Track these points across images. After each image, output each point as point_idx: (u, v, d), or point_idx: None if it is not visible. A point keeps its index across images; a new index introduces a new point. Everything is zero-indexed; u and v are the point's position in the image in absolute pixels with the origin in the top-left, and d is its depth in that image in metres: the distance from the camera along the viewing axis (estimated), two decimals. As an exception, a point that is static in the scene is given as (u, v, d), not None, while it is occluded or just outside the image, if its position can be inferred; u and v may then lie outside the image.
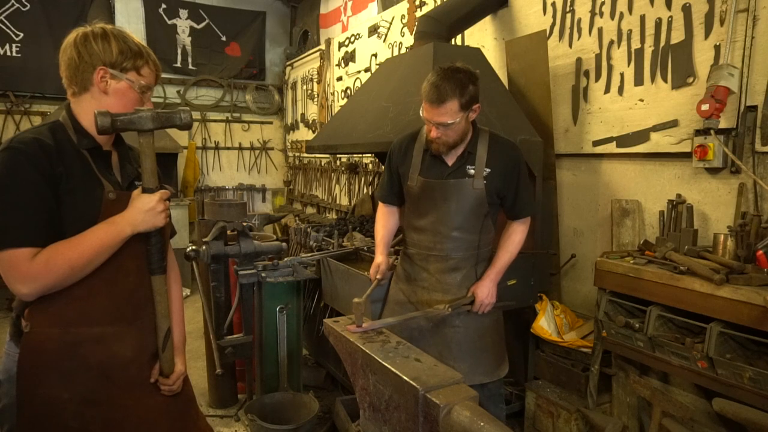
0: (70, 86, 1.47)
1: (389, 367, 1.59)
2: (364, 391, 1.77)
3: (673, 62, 2.75)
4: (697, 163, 2.58)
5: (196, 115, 7.72)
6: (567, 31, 3.37)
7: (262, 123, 8.33)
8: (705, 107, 2.43)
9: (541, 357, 2.98)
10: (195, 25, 7.69)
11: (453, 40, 3.84)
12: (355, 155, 6.05)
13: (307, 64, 7.45)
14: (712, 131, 2.47)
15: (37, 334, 1.40)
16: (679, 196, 2.66)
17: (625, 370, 2.60)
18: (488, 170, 2.29)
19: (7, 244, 1.30)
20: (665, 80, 2.80)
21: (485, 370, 2.42)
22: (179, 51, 7.62)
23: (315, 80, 7.19)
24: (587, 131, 3.26)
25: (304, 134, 7.62)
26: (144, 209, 1.42)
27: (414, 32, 3.65)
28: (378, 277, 2.36)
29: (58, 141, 1.39)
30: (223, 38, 7.89)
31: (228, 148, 8.16)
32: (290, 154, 8.26)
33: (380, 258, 2.41)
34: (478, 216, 2.33)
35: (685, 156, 2.69)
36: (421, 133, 2.40)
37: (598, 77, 3.17)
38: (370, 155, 5.64)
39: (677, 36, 2.73)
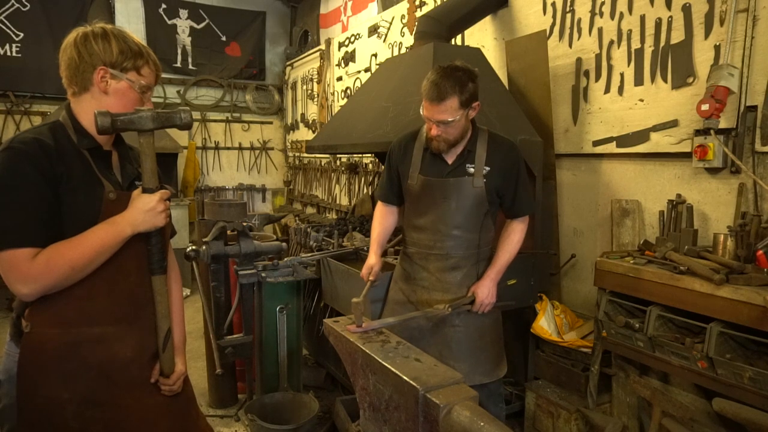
0: (70, 86, 1.47)
1: (389, 367, 1.59)
2: (364, 391, 1.77)
3: (673, 62, 2.75)
4: (697, 163, 2.58)
5: (196, 115, 7.72)
6: (567, 31, 3.37)
7: (262, 123, 8.33)
8: (705, 107, 2.43)
9: (541, 357, 2.98)
10: (195, 25, 7.69)
11: (453, 40, 3.84)
12: (355, 155, 6.05)
13: (307, 64, 7.45)
14: (712, 131, 2.47)
15: (37, 334, 1.40)
16: (679, 196, 2.66)
17: (625, 370, 2.60)
18: (488, 168, 2.29)
19: (7, 245, 1.29)
20: (665, 80, 2.80)
21: (484, 370, 2.42)
22: (179, 51, 7.63)
23: (315, 80, 7.19)
24: (587, 131, 3.26)
25: (304, 134, 7.62)
26: (144, 209, 1.42)
27: (414, 32, 3.65)
28: (371, 278, 2.32)
29: (58, 141, 1.39)
30: (223, 38, 7.89)
31: (228, 148, 8.16)
32: (290, 154, 8.26)
33: (373, 259, 2.36)
34: (478, 214, 2.33)
35: (685, 156, 2.69)
36: (421, 132, 2.40)
37: (598, 77, 3.17)
38: (370, 155, 5.64)
39: (677, 36, 2.73)
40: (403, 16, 5.10)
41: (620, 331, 2.44)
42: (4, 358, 1.46)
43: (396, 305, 2.51)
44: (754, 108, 2.42)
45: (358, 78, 6.09)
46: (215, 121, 8.02)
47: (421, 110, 2.23)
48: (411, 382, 1.47)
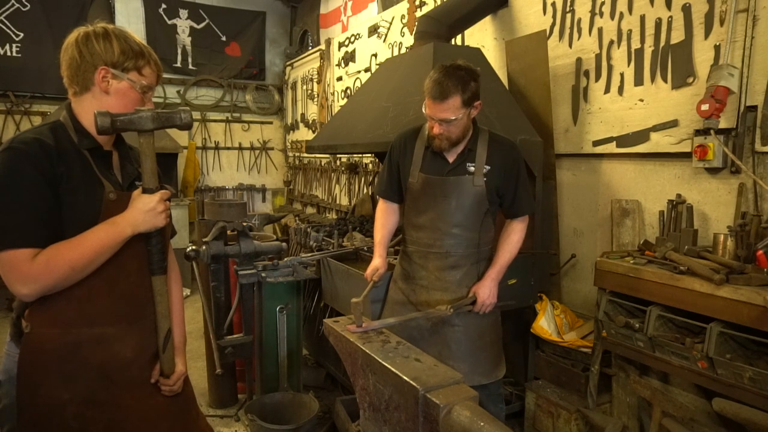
0: (71, 86, 1.47)
1: (389, 367, 1.59)
2: (364, 391, 1.77)
3: (673, 62, 2.75)
4: (697, 163, 2.58)
5: (196, 115, 7.72)
6: (567, 31, 3.37)
7: (262, 123, 8.33)
8: (705, 107, 2.43)
9: (541, 357, 2.98)
10: (195, 25, 7.69)
11: (453, 40, 3.84)
12: (355, 155, 6.05)
13: (307, 64, 7.45)
14: (712, 131, 2.47)
15: (37, 334, 1.39)
16: (679, 196, 2.66)
17: (625, 370, 2.60)
18: (488, 168, 2.30)
19: (7, 245, 1.29)
20: (665, 80, 2.79)
21: (484, 371, 2.42)
22: (179, 51, 7.63)
23: (315, 80, 7.19)
24: (587, 131, 3.26)
25: (304, 134, 7.62)
26: (144, 209, 1.42)
27: (414, 32, 3.65)
28: (375, 279, 2.33)
29: (58, 141, 1.38)
30: (223, 38, 7.89)
31: (228, 148, 8.16)
32: (290, 154, 8.26)
33: (378, 261, 2.37)
34: (478, 213, 2.34)
35: (685, 156, 2.69)
36: (422, 130, 2.41)
37: (598, 77, 3.17)
38: (370, 155, 5.64)
39: (677, 36, 2.73)
40: (403, 16, 5.10)
41: (620, 331, 2.44)
42: (4, 359, 1.46)
43: (396, 305, 2.51)
44: (754, 108, 2.42)
45: (358, 78, 6.09)
46: (215, 121, 8.02)
47: (423, 108, 2.23)
48: (411, 382, 1.47)
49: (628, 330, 2.39)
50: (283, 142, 8.51)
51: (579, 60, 3.28)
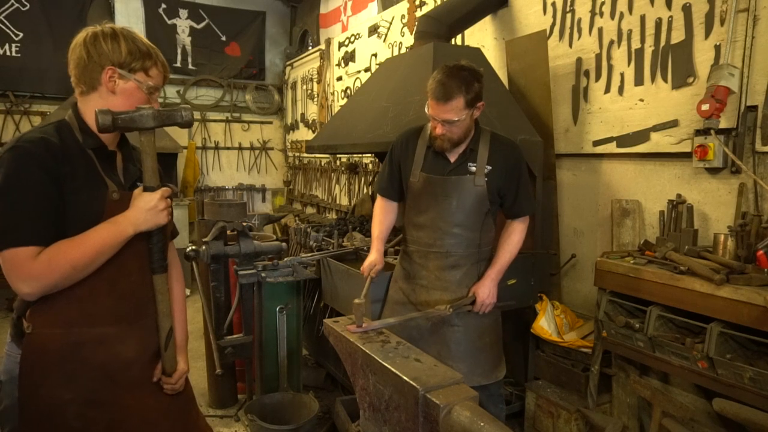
0: (78, 85, 1.47)
1: (389, 367, 1.58)
2: (364, 391, 1.76)
3: (674, 62, 2.75)
4: (698, 163, 2.58)
5: (196, 115, 7.71)
6: (567, 31, 3.37)
7: (262, 123, 8.32)
8: (705, 107, 2.43)
9: (541, 357, 2.98)
10: (195, 25, 7.69)
11: (453, 40, 3.84)
12: (354, 155, 6.05)
13: (307, 64, 7.45)
14: (712, 131, 2.47)
15: (39, 334, 1.39)
16: (679, 196, 2.66)
17: (625, 370, 2.60)
18: (489, 168, 2.30)
19: (10, 243, 1.30)
20: (665, 80, 2.79)
21: (483, 371, 2.42)
22: (179, 51, 7.63)
23: (315, 80, 7.19)
24: (587, 131, 3.26)
25: (304, 134, 7.61)
26: (146, 208, 1.42)
27: (414, 32, 3.65)
28: (372, 275, 2.31)
29: (63, 140, 1.39)
30: (223, 38, 7.89)
31: (228, 148, 8.16)
32: (290, 154, 8.26)
33: (376, 256, 2.36)
34: (478, 213, 2.34)
35: (686, 156, 2.69)
36: (424, 130, 2.41)
37: (598, 77, 3.17)
38: (369, 155, 5.64)
39: (677, 36, 2.73)
40: (403, 16, 5.10)
41: (620, 331, 2.44)
42: (5, 359, 1.46)
43: (396, 305, 2.51)
44: (754, 108, 2.42)
45: (358, 78, 6.09)
46: (215, 121, 8.02)
47: (426, 108, 2.23)
48: (411, 382, 1.47)
49: (628, 330, 2.39)
50: (283, 142, 8.51)
51: (579, 60, 3.28)
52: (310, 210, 7.57)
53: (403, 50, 5.09)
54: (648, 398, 2.36)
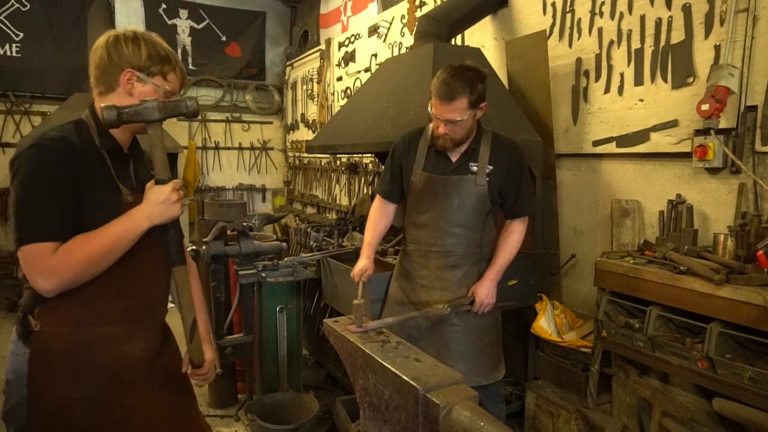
0: (96, 85, 1.49)
1: (389, 367, 1.59)
2: (364, 391, 1.77)
3: (673, 62, 2.75)
4: (697, 163, 2.58)
5: (196, 115, 7.71)
6: (567, 31, 3.37)
7: (262, 123, 8.32)
8: (705, 107, 2.43)
9: (541, 357, 2.98)
10: (195, 25, 7.69)
11: (453, 40, 3.84)
12: (355, 155, 6.05)
13: (307, 64, 7.45)
14: (712, 131, 2.47)
15: (47, 333, 1.40)
16: (679, 196, 2.66)
17: (625, 370, 2.60)
18: (491, 168, 2.30)
19: (31, 239, 1.31)
20: (665, 80, 2.79)
21: (483, 371, 2.42)
22: (179, 51, 7.60)
23: (315, 80, 7.19)
24: (587, 131, 3.26)
25: (304, 134, 7.61)
26: (158, 200, 1.42)
27: (414, 32, 3.65)
28: (363, 281, 2.30)
29: (82, 140, 1.42)
30: (223, 38, 7.89)
31: (228, 148, 8.15)
32: (290, 154, 8.26)
33: (366, 262, 2.36)
34: (479, 213, 2.34)
35: (685, 156, 2.69)
36: (426, 130, 2.41)
37: (598, 77, 3.17)
38: (370, 155, 5.64)
39: (677, 36, 2.73)
40: (403, 16, 5.10)
41: (620, 331, 2.44)
42: (11, 358, 1.46)
43: (396, 305, 2.51)
44: (754, 108, 2.42)
45: (358, 78, 6.09)
46: (215, 121, 8.02)
47: (429, 107, 2.24)
48: (411, 382, 1.47)
49: (628, 330, 2.39)
50: (283, 142, 8.51)
51: (579, 60, 3.28)
52: (310, 210, 7.57)
53: (403, 50, 5.09)
54: (648, 398, 2.36)
